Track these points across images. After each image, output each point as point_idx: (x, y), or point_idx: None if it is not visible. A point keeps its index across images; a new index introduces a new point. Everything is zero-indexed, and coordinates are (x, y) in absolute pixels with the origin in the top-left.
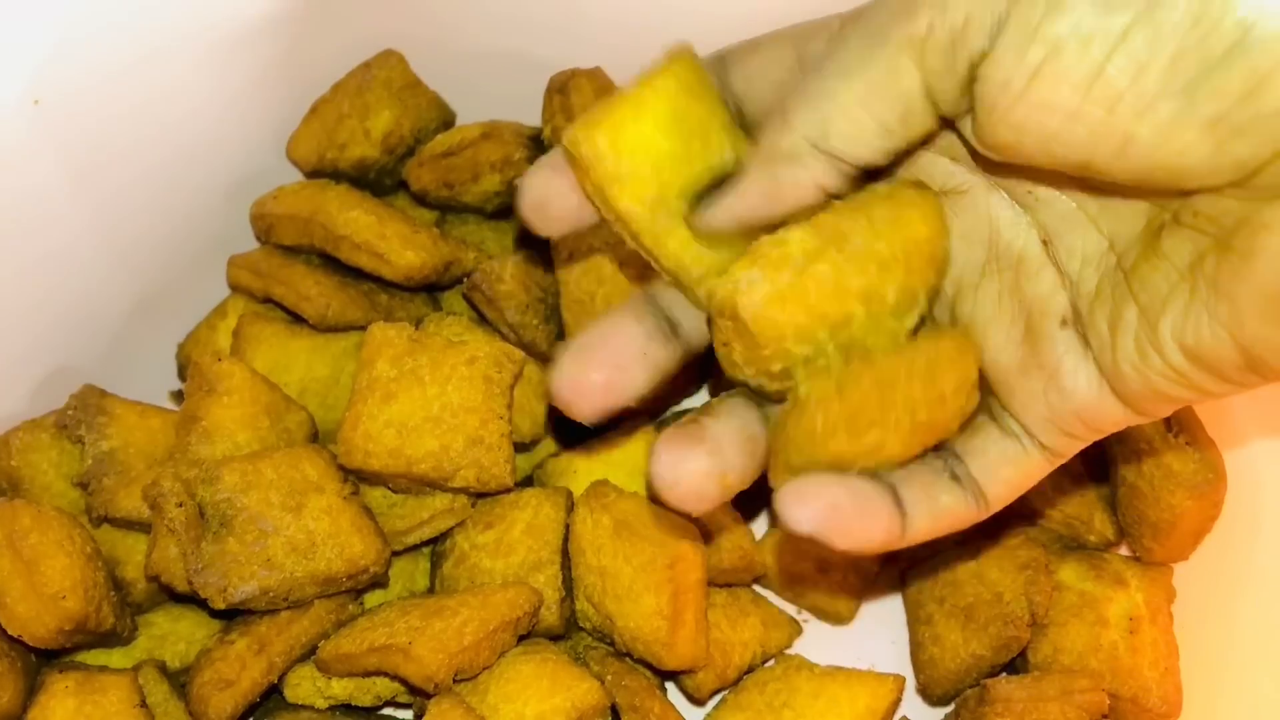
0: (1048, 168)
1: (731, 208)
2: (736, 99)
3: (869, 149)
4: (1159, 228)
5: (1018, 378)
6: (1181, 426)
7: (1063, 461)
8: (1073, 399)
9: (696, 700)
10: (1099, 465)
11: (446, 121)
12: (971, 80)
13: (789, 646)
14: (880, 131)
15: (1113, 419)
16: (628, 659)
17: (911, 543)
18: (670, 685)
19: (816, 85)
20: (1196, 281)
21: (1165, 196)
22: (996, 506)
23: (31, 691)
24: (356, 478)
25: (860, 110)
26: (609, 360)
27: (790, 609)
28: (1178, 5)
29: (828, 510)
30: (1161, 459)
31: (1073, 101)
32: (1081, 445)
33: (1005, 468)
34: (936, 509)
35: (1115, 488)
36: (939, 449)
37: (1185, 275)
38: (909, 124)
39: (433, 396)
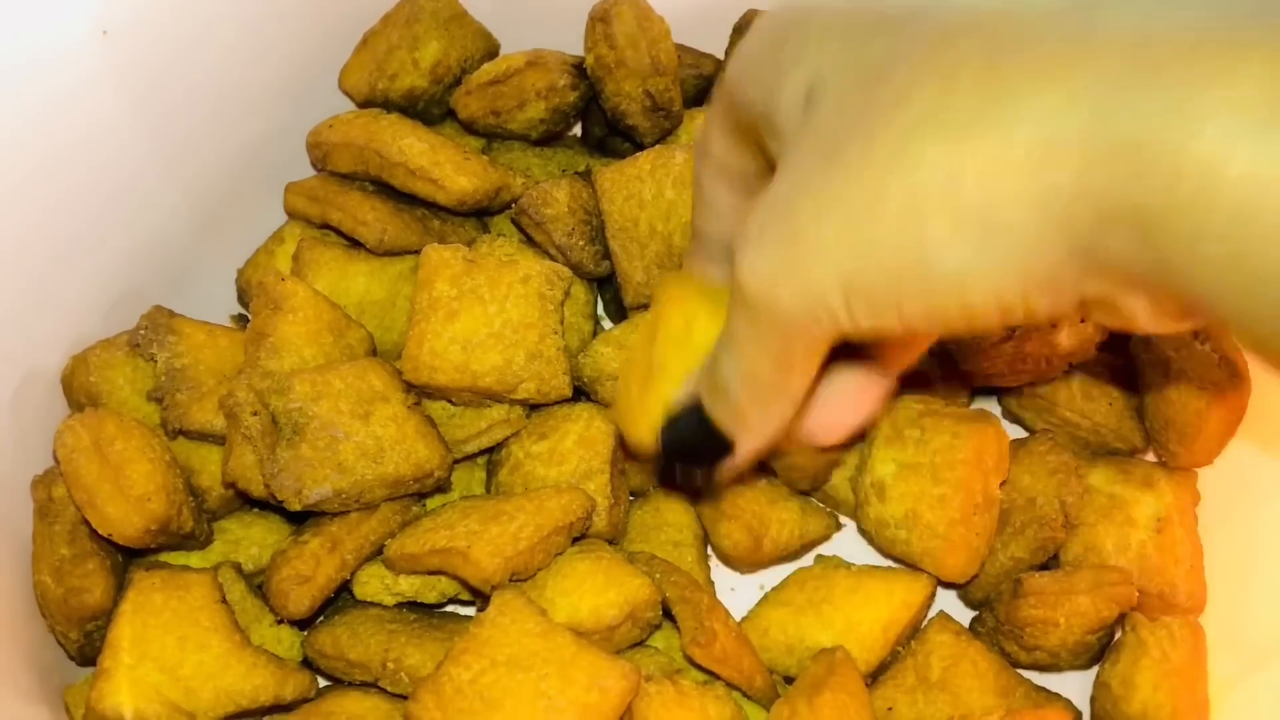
0: None
1: (743, 462)
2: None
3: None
4: None
5: None
6: (1206, 333)
7: None
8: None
9: (730, 563)
10: (1127, 374)
11: (491, 51)
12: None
13: (826, 539)
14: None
15: None
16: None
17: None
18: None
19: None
20: None
21: None
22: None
23: (120, 588)
24: (420, 393)
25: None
26: None
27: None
28: None
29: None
30: (1186, 365)
31: None
32: None
33: None
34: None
35: (1142, 395)
36: None
37: None
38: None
39: (494, 314)
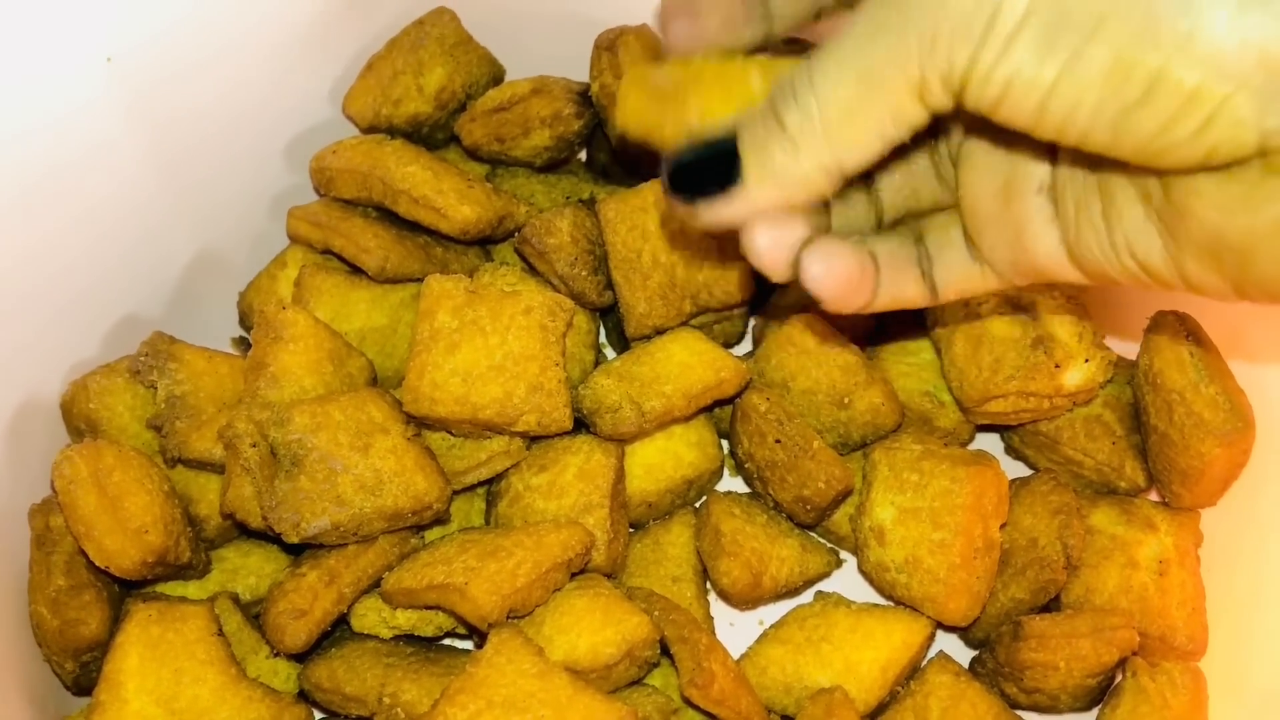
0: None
1: (733, 213)
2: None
3: (874, 159)
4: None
5: (991, 224)
6: (1212, 377)
7: (1010, 288)
8: (1034, 255)
9: (729, 600)
10: (1131, 414)
11: (497, 78)
12: (958, 96)
13: (826, 576)
14: (884, 145)
15: (1067, 278)
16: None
17: (866, 312)
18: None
19: (818, 111)
20: (1148, 208)
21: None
22: (941, 302)
23: (116, 619)
24: (420, 424)
25: (872, 139)
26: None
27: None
28: (1095, 60)
29: (843, 276)
30: (1192, 408)
31: (1029, 124)
32: (1031, 283)
33: (963, 281)
34: (900, 295)
35: (1146, 436)
36: (918, 240)
37: (1139, 195)
38: (909, 130)
39: (495, 345)
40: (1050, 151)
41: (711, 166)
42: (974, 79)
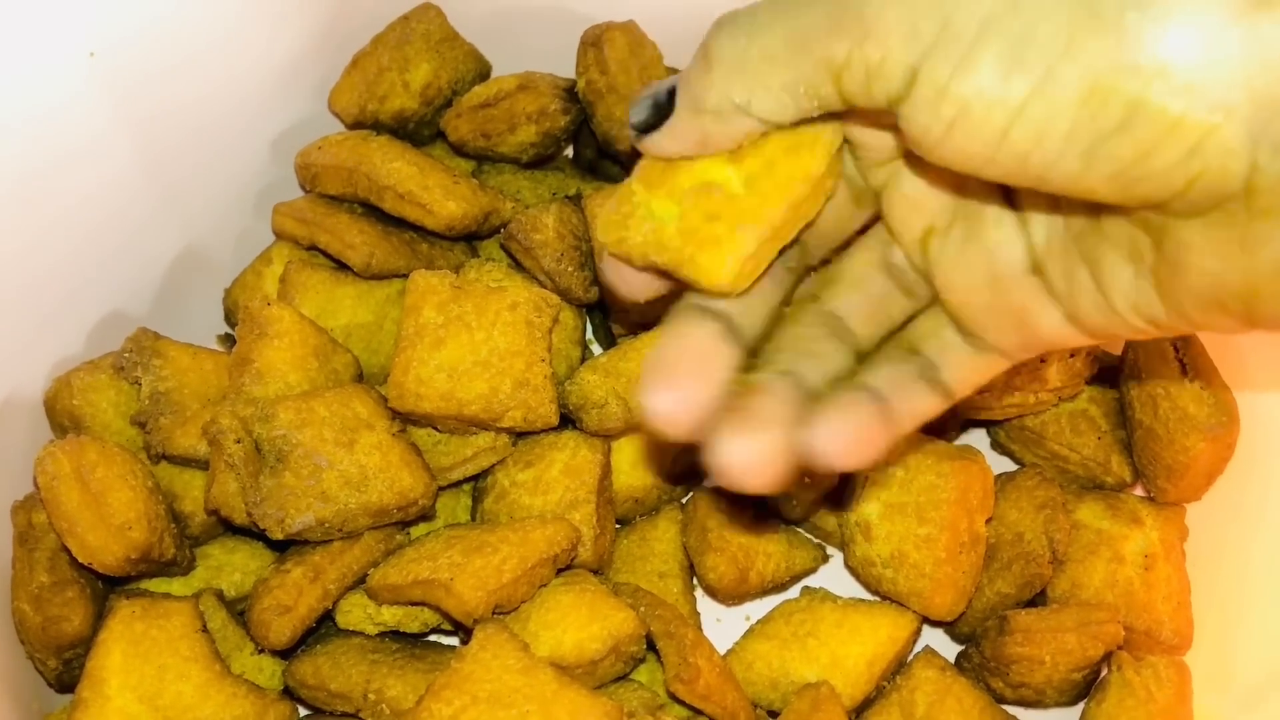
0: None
1: (663, 145)
2: None
3: (788, 119)
4: (1097, 207)
5: (989, 315)
6: (1196, 371)
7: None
8: (1041, 333)
9: (715, 595)
10: (1116, 409)
11: (483, 74)
12: (892, 110)
13: (814, 571)
14: (799, 111)
15: (1081, 344)
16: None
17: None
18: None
19: (742, 50)
20: (1140, 267)
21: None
22: (958, 399)
23: (100, 616)
24: (405, 420)
25: (782, 94)
26: (692, 372)
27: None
28: (1069, 83)
29: (861, 431)
30: (1176, 403)
31: (986, 152)
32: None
33: (975, 374)
34: (917, 413)
35: (1131, 431)
36: (912, 353)
37: (1127, 257)
38: (820, 106)
39: (480, 341)
40: (1025, 230)
41: (658, 105)
42: (921, 95)
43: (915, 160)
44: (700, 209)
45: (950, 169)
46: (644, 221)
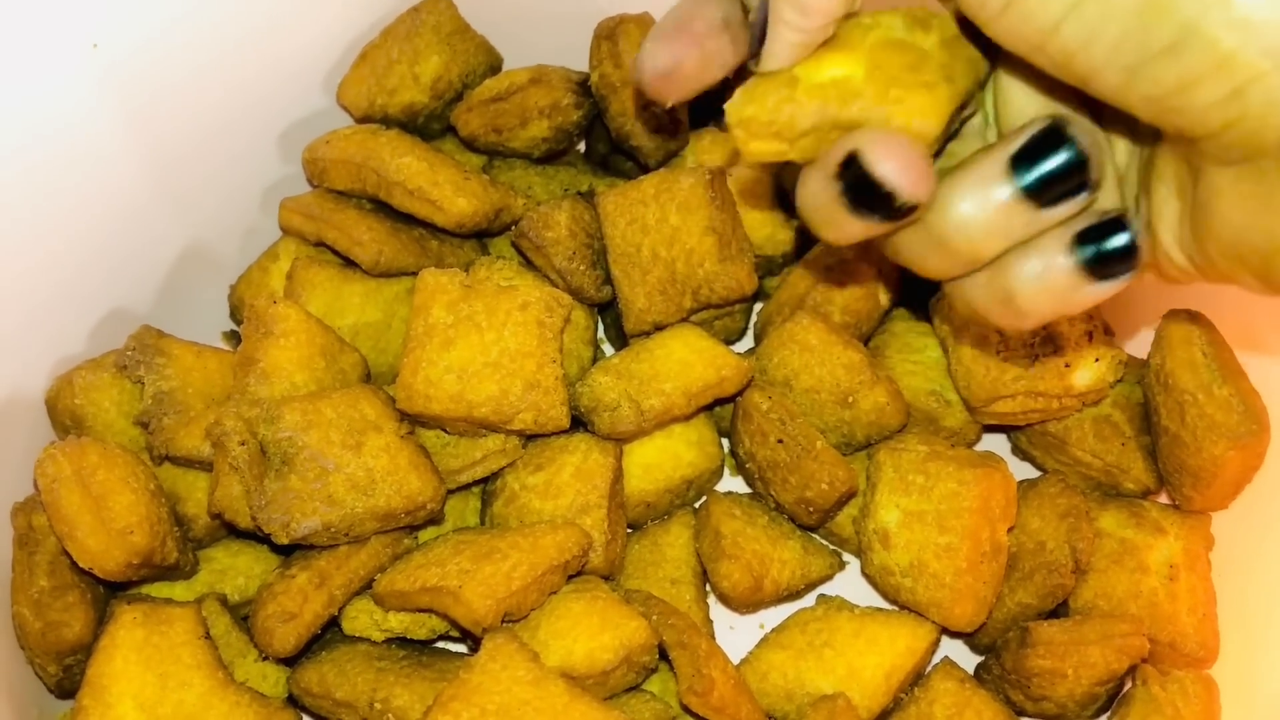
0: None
1: (774, 44)
2: None
3: None
4: (1156, 134)
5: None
6: (1225, 377)
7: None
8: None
9: (729, 603)
10: (1142, 415)
11: (494, 67)
12: None
13: (829, 579)
14: None
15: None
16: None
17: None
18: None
19: None
20: (1184, 204)
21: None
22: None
23: (101, 621)
24: (414, 422)
25: None
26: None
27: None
28: None
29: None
30: (1204, 410)
31: (1036, 39)
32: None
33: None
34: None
35: (1157, 437)
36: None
37: (1176, 192)
38: None
39: (490, 342)
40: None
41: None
42: None
43: (1010, 60)
44: (896, 62)
45: (1002, 46)
46: (815, 89)
